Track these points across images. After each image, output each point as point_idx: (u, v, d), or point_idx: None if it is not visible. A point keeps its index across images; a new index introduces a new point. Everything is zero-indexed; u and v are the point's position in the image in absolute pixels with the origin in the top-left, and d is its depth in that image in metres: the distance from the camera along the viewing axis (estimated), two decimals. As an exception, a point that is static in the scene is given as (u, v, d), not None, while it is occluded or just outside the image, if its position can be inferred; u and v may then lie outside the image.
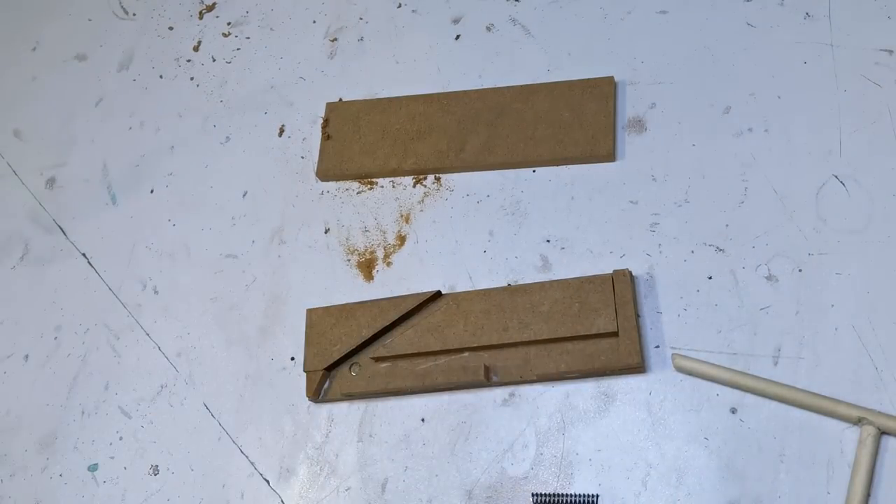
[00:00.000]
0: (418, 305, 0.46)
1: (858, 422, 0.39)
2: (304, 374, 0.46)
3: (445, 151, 0.51)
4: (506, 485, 0.43)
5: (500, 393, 0.44)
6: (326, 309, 0.47)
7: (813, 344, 0.42)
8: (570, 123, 0.50)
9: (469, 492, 0.43)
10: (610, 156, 0.49)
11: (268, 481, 0.45)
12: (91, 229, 0.57)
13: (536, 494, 0.42)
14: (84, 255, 0.57)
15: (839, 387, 0.40)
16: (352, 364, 0.46)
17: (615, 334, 0.42)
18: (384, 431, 0.45)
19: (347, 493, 0.44)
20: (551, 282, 0.44)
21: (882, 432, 0.39)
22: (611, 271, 0.44)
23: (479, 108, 0.52)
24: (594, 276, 0.44)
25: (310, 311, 0.47)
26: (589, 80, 0.51)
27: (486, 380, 0.43)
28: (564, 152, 0.49)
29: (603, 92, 0.50)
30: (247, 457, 0.47)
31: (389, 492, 0.44)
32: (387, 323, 0.45)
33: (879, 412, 0.39)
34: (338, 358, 0.45)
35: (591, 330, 0.42)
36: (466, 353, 0.44)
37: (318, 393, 0.46)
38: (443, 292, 0.47)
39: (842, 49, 0.49)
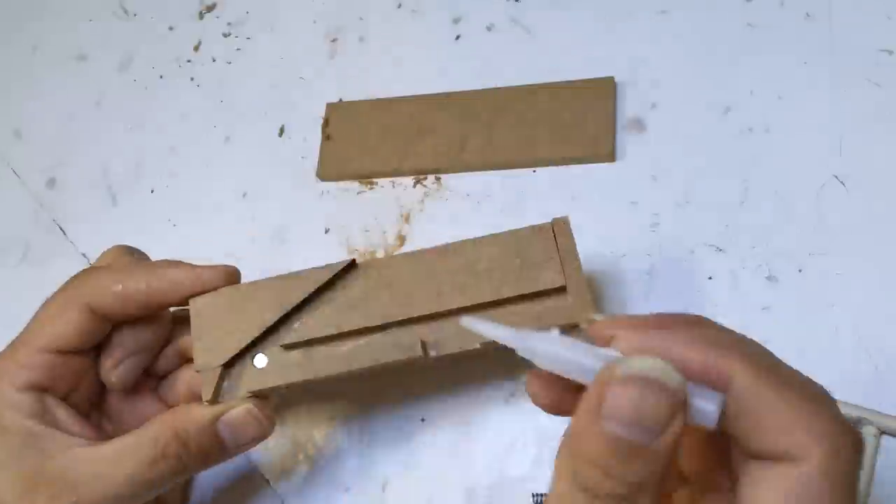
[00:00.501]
0: (331, 279, 0.39)
1: (858, 422, 0.39)
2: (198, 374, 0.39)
3: (445, 151, 0.51)
4: (506, 485, 0.43)
5: (501, 392, 0.44)
6: (214, 294, 0.39)
7: (813, 344, 0.42)
8: (570, 123, 0.50)
9: (470, 491, 0.43)
10: (610, 156, 0.49)
11: (268, 481, 0.45)
12: (91, 229, 0.57)
13: (537, 494, 0.42)
14: (84, 255, 0.57)
15: (839, 387, 0.40)
16: (255, 356, 0.39)
17: (563, 289, 0.38)
18: (384, 431, 0.45)
19: (347, 493, 0.44)
20: (485, 237, 0.40)
21: (882, 432, 0.39)
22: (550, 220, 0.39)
23: (479, 108, 0.52)
24: (533, 226, 0.39)
25: (193, 300, 0.40)
26: (589, 80, 0.51)
27: (425, 355, 0.38)
28: (564, 152, 0.49)
29: (603, 92, 0.50)
30: (249, 459, 0.47)
31: (389, 492, 0.44)
32: (294, 302, 0.38)
33: (879, 412, 0.39)
34: (237, 351, 0.38)
35: (537, 286, 0.38)
36: (395, 328, 0.38)
37: (216, 395, 0.38)
38: (358, 261, 0.40)
39: (842, 49, 0.49)
